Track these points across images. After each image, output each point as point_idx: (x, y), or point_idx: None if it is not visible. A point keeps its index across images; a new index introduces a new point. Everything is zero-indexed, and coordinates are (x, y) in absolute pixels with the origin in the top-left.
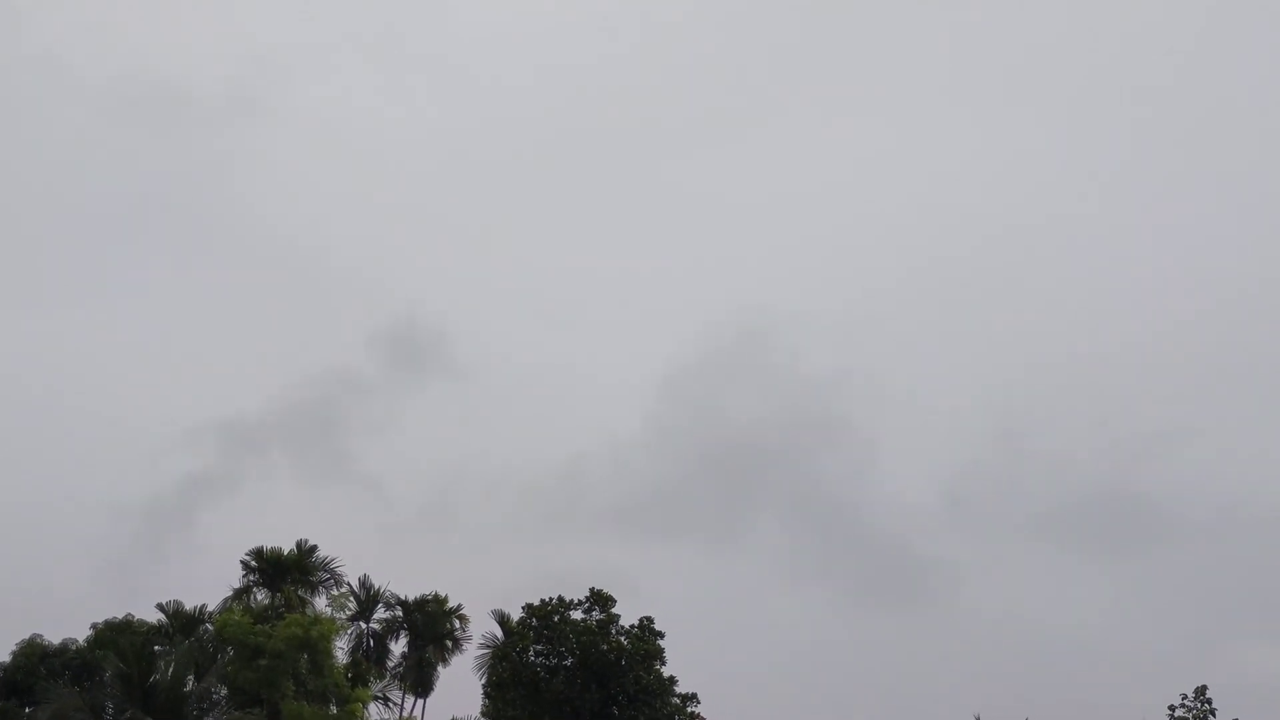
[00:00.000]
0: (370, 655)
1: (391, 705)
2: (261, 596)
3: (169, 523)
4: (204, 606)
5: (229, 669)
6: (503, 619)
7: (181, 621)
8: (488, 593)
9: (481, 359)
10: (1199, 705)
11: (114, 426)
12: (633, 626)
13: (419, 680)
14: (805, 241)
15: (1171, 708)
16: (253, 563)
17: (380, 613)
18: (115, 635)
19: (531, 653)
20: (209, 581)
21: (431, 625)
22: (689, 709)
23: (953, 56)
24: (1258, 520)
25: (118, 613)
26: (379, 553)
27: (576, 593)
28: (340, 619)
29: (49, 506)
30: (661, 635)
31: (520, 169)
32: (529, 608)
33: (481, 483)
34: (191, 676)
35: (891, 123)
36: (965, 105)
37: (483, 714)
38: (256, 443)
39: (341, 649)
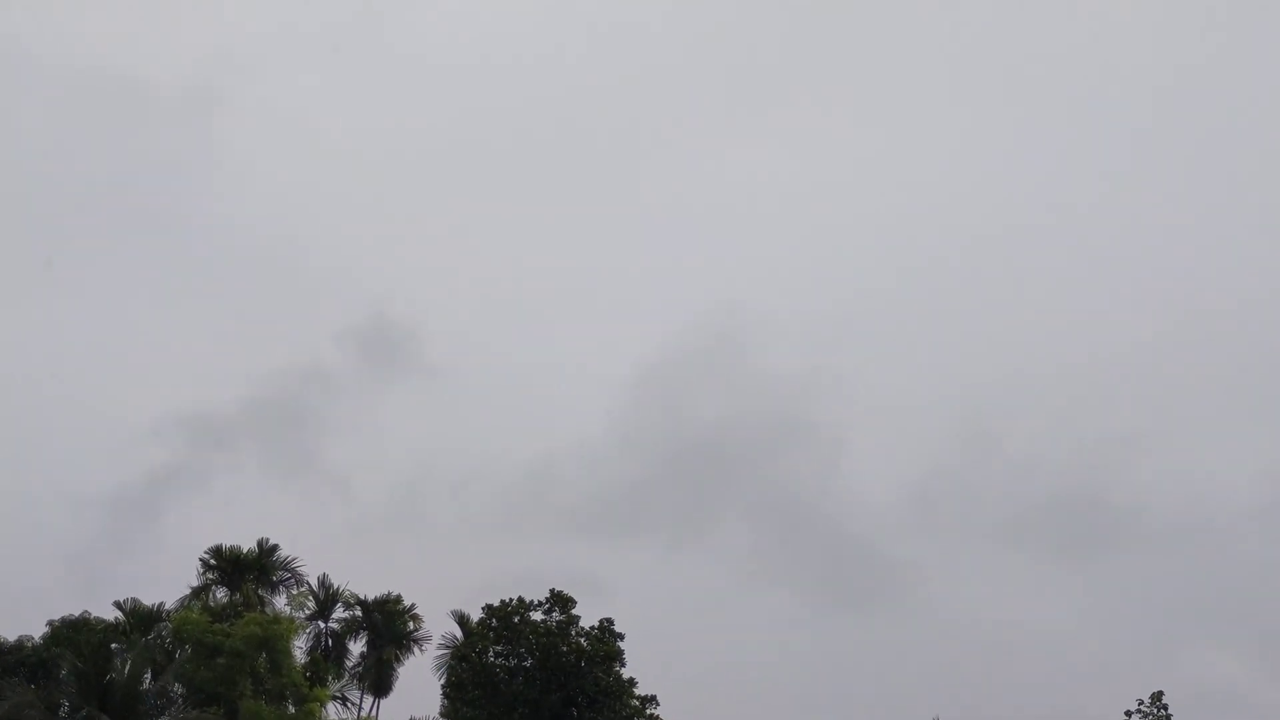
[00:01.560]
0: (329, 655)
1: (350, 705)
2: (220, 595)
3: (133, 517)
4: (162, 605)
5: (187, 667)
6: (462, 619)
7: (139, 619)
8: (452, 592)
9: (452, 357)
10: (1155, 710)
11: (79, 418)
12: (593, 628)
13: (377, 680)
14: (779, 243)
15: (1128, 713)
16: (212, 561)
17: (339, 612)
18: (72, 633)
19: (491, 653)
20: (171, 578)
21: (391, 625)
22: (648, 710)
23: (943, 61)
24: (1220, 527)
25: (77, 609)
26: (345, 551)
27: (542, 592)
28: (299, 618)
29: (10, 498)
30: (621, 637)
31: (494, 166)
32: (489, 608)
33: (449, 481)
34: (149, 675)
35: (869, 127)
36: (945, 110)
37: (441, 715)
38: (225, 437)
39: (300, 648)
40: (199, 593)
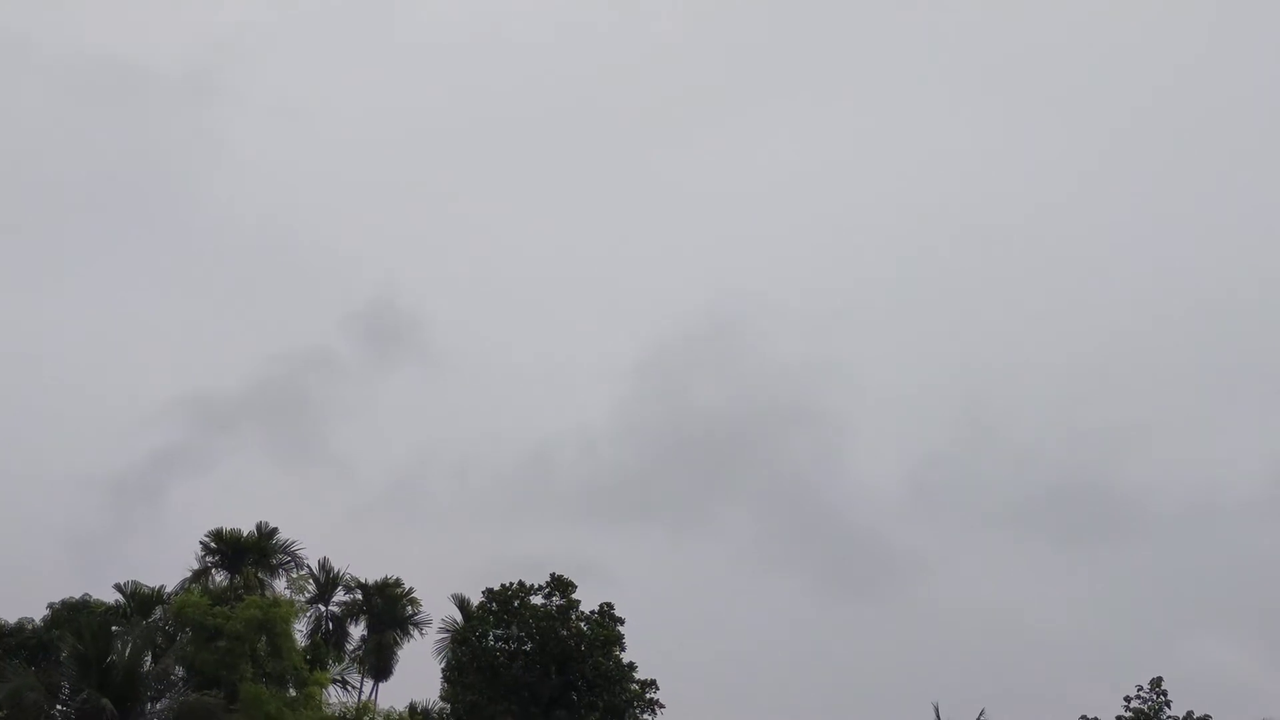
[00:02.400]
0: (329, 638)
1: (350, 688)
2: (220, 578)
3: (135, 500)
4: (162, 587)
5: (187, 650)
6: (462, 603)
7: (139, 602)
8: (453, 577)
9: (454, 342)
10: (1154, 697)
11: (82, 402)
12: (593, 612)
13: (378, 664)
14: (780, 231)
15: (1127, 699)
16: (212, 544)
17: (340, 596)
18: (72, 615)
19: (491, 637)
20: (172, 561)
21: (391, 609)
22: (648, 695)
23: (945, 48)
24: (1222, 516)
25: (78, 591)
26: (346, 535)
27: (543, 578)
28: (299, 602)
29: (12, 481)
30: (621, 621)
31: (497, 153)
32: (489, 592)
33: (451, 466)
34: (149, 657)
35: (872, 114)
36: (948, 98)
37: (441, 698)
38: (228, 421)
39: (300, 632)
40: (199, 576)
